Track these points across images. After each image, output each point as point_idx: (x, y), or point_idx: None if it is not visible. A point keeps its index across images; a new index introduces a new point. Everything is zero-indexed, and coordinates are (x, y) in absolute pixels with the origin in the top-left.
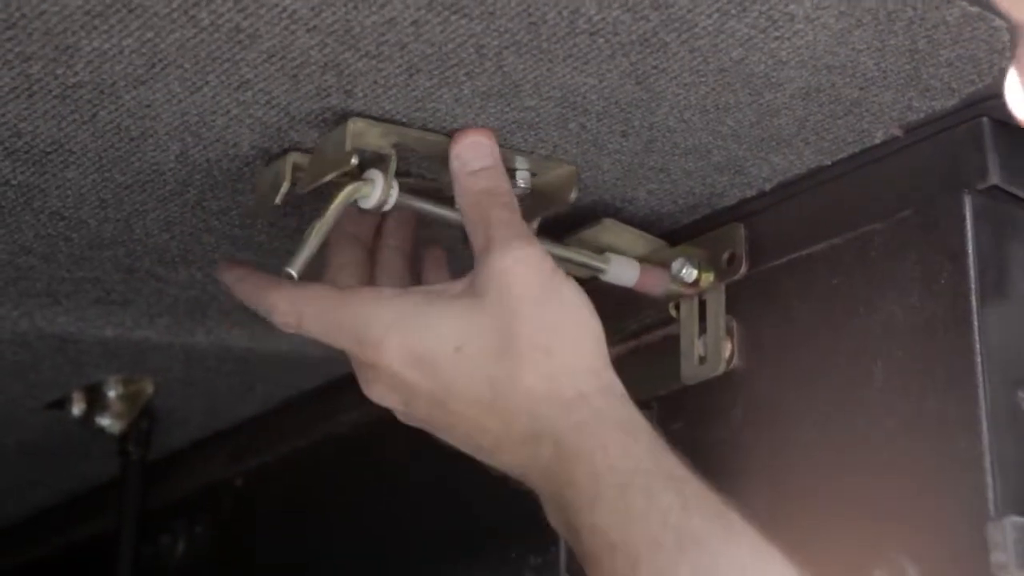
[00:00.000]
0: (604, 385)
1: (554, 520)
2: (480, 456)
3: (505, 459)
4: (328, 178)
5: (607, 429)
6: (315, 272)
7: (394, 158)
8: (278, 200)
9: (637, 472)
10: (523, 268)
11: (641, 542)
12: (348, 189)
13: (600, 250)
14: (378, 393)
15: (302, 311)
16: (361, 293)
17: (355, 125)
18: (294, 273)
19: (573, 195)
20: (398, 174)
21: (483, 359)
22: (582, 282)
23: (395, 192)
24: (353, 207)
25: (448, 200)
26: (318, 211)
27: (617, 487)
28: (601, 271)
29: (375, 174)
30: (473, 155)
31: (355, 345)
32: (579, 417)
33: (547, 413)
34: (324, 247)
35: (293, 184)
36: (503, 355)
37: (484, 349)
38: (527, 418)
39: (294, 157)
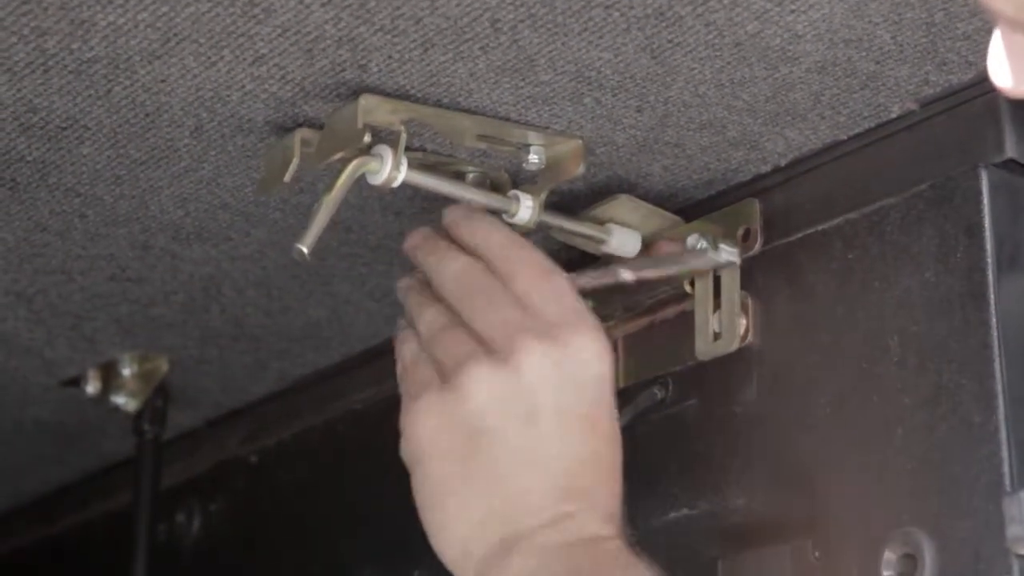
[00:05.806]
0: None
1: None
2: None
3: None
4: (339, 155)
5: None
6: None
7: (404, 134)
8: (287, 178)
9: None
10: None
11: None
12: (355, 163)
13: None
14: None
15: None
16: None
17: (366, 101)
18: (305, 249)
19: (581, 168)
20: (407, 149)
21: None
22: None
23: (404, 168)
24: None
25: (459, 176)
26: (328, 187)
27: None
28: (603, 242)
29: (384, 149)
30: None
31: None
32: None
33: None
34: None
35: (302, 161)
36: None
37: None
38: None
39: (302, 133)
